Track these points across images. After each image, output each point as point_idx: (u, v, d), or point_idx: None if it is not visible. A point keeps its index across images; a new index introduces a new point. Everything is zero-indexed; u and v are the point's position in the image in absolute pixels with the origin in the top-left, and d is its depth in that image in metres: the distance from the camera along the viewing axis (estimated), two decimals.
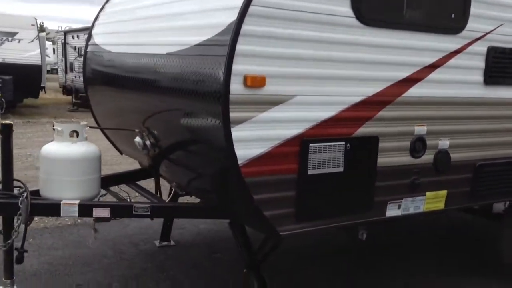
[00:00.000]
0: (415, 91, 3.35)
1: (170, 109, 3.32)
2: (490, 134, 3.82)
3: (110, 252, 4.90)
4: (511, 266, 4.41)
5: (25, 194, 3.35)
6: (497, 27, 3.66)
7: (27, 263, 4.44)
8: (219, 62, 2.69)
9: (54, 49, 33.66)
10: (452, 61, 3.49)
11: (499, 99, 3.81)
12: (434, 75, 3.42)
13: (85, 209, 3.40)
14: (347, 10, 2.99)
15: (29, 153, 8.64)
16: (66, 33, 21.28)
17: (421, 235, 5.76)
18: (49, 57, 30.22)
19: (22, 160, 7.82)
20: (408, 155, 3.46)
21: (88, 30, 4.93)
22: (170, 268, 4.58)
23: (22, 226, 3.38)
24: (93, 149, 3.62)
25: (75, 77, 19.86)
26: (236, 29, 2.64)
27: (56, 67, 33.27)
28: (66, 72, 21.16)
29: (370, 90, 3.16)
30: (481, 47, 3.62)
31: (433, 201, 3.65)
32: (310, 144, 2.98)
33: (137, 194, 4.22)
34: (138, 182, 4.50)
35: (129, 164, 6.86)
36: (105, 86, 4.41)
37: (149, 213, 3.49)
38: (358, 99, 3.13)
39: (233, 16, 2.67)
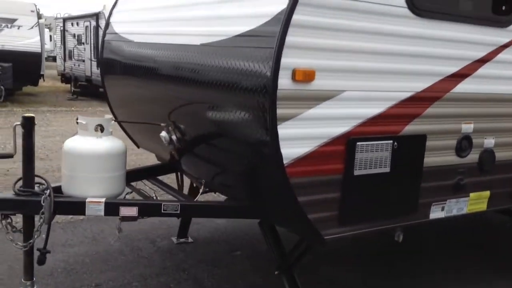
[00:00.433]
0: (463, 87, 3.17)
1: (203, 103, 3.11)
2: None
3: (127, 249, 4.72)
4: None
5: (48, 191, 3.15)
6: None
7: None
8: (266, 54, 2.49)
9: (50, 36, 33.28)
10: (500, 56, 3.30)
11: None
12: (482, 70, 3.24)
13: (111, 207, 3.21)
14: (399, 0, 2.79)
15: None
16: (65, 20, 20.99)
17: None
18: (46, 44, 29.95)
19: None
20: (454, 155, 3.28)
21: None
22: (191, 267, 4.40)
23: (45, 226, 3.17)
24: (119, 145, 3.43)
25: (74, 65, 19.62)
26: (286, 19, 2.43)
27: (52, 54, 32.95)
28: (65, 60, 20.90)
29: (420, 85, 2.98)
30: None
31: (476, 202, 3.48)
32: (358, 143, 2.79)
33: (161, 191, 4.02)
34: (159, 177, 4.30)
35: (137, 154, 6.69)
36: (126, 77, 4.19)
37: (178, 212, 3.30)
38: (407, 95, 2.94)
39: (282, 5, 2.47)
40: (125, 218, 3.32)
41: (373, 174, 2.89)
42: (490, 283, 4.39)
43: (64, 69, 20.86)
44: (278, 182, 2.65)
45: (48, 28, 33.17)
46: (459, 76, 3.13)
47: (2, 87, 14.94)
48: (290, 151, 2.59)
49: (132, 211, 3.26)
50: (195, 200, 3.48)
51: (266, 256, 4.62)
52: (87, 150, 3.30)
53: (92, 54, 17.56)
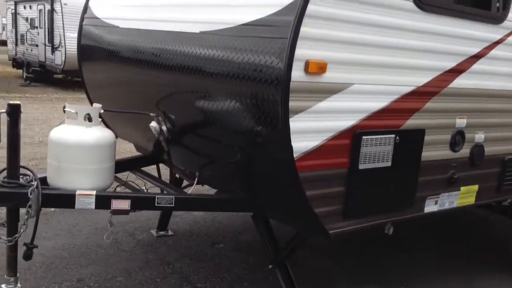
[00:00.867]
0: (459, 82, 3.22)
1: (201, 94, 3.02)
2: None
3: (106, 243, 4.55)
4: None
5: (35, 183, 2.99)
6: None
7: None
8: (279, 45, 2.43)
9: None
10: (493, 52, 3.36)
11: None
12: (477, 65, 3.29)
13: (102, 200, 3.08)
14: None
15: None
16: (17, 3, 20.11)
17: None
18: None
19: None
20: (448, 149, 3.32)
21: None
22: (175, 261, 4.31)
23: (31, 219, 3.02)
24: (109, 135, 3.29)
25: (27, 49, 18.89)
26: (301, 8, 2.38)
27: (2, 38, 31.56)
28: (16, 44, 20.08)
29: (421, 80, 2.99)
30: None
31: (465, 196, 3.55)
32: (363, 137, 2.78)
33: (148, 183, 3.90)
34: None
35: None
36: (110, 65, 4.03)
37: (172, 205, 3.20)
38: (409, 89, 2.95)
39: None
40: (116, 212, 3.19)
41: (376, 168, 2.89)
42: (473, 273, 4.51)
43: (16, 54, 20.05)
44: (286, 176, 2.60)
45: None
46: (456, 71, 3.17)
47: None
48: (300, 144, 2.55)
49: (125, 205, 3.14)
50: (187, 193, 3.38)
51: (250, 249, 4.61)
52: (77, 140, 3.15)
53: (46, 39, 16.94)
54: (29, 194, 2.95)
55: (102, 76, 4.25)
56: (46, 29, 16.99)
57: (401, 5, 2.78)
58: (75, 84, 16.40)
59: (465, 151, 3.42)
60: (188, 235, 4.91)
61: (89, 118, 3.26)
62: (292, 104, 2.44)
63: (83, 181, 3.17)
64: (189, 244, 4.70)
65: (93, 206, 3.09)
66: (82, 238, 4.58)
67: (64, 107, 3.29)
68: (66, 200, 3.08)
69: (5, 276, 3.14)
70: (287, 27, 2.39)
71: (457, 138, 3.32)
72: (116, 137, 4.71)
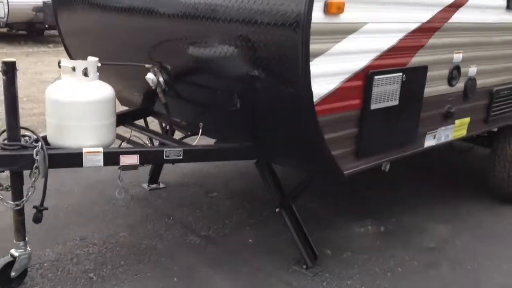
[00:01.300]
0: (458, 17, 3.26)
1: (207, 41, 2.94)
2: (506, 60, 3.85)
3: (100, 199, 4.51)
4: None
5: (39, 143, 2.89)
6: None
7: (8, 220, 3.97)
8: None
9: None
10: None
11: None
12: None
13: (111, 157, 3.03)
14: None
15: None
16: None
17: None
18: None
19: None
20: (446, 84, 3.41)
21: None
22: (174, 212, 4.31)
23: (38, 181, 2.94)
24: (109, 89, 3.20)
25: None
26: None
27: None
28: None
29: (425, 16, 3.02)
30: None
31: (459, 128, 3.68)
32: (375, 77, 2.80)
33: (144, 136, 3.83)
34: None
35: None
36: (92, 12, 3.81)
37: (181, 157, 3.18)
38: (415, 26, 2.98)
39: None
40: (124, 167, 3.15)
41: (386, 108, 2.94)
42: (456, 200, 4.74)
43: None
44: (305, 121, 2.61)
45: None
46: (456, 5, 3.20)
47: None
48: (319, 88, 2.55)
49: (133, 160, 3.10)
50: (193, 144, 3.35)
51: (243, 196, 4.68)
52: (78, 96, 3.04)
53: None
54: (34, 155, 2.86)
55: (84, 26, 4.04)
56: None
57: None
58: (20, 38, 15.63)
59: (460, 85, 3.52)
60: (179, 186, 4.90)
61: (85, 73, 3.14)
62: (312, 47, 2.42)
63: (87, 138, 3.10)
64: (183, 195, 4.70)
65: (101, 163, 3.04)
66: (74, 197, 4.50)
67: (59, 62, 3.15)
68: (73, 159, 3.00)
69: (14, 240, 3.09)
70: None
71: (454, 73, 3.41)
72: None
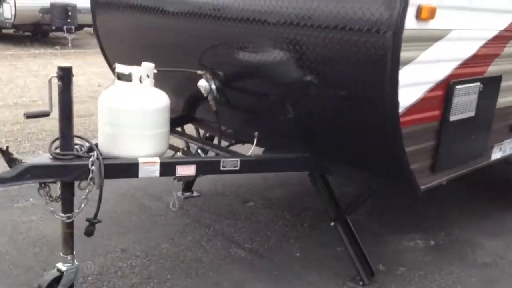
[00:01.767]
0: None
1: (274, 48, 2.76)
2: None
3: (134, 209, 4.34)
4: None
5: (94, 153, 2.71)
6: None
7: (41, 230, 3.81)
8: None
9: None
10: None
11: None
12: None
13: (167, 167, 2.86)
14: None
15: None
16: None
17: None
18: None
19: None
20: None
21: None
22: (213, 222, 4.14)
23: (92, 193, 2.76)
24: (165, 97, 3.02)
25: None
26: None
27: None
28: None
29: (503, 23, 2.86)
30: None
31: None
32: (456, 86, 2.64)
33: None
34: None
35: None
36: (134, 14, 3.62)
37: (237, 168, 3.01)
38: (493, 33, 2.83)
39: None
40: (179, 178, 2.98)
41: (463, 119, 2.78)
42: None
43: None
44: (386, 133, 2.44)
45: None
46: None
47: None
48: (404, 98, 2.38)
49: (190, 170, 2.93)
50: (248, 154, 3.18)
51: (281, 205, 4.52)
52: (137, 104, 2.87)
53: None
54: (90, 165, 2.68)
55: (125, 29, 3.87)
56: None
57: None
58: (26, 39, 15.42)
59: None
60: (214, 195, 4.72)
61: (140, 79, 2.97)
62: (402, 54, 2.25)
63: (142, 148, 2.92)
64: (219, 204, 4.52)
65: (157, 174, 2.87)
66: (109, 206, 4.30)
67: (114, 68, 2.97)
68: (129, 169, 2.83)
69: (61, 254, 2.91)
70: None
71: None
72: None
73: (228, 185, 4.94)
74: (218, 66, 3.21)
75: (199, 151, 3.44)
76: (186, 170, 2.91)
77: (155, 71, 2.99)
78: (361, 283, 3.29)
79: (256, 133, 3.20)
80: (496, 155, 3.29)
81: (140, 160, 2.80)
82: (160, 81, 3.51)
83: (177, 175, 2.91)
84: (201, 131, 4.24)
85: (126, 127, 2.85)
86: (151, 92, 2.94)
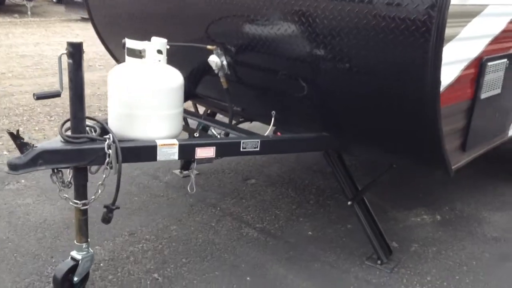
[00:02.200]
0: None
1: (279, 14, 2.61)
2: None
3: (134, 189, 4.19)
4: None
5: (110, 136, 2.55)
6: None
7: (40, 214, 3.64)
8: None
9: None
10: None
11: None
12: None
13: (186, 149, 2.72)
14: None
15: None
16: None
17: None
18: None
19: None
20: None
21: None
22: (218, 201, 4.04)
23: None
24: (179, 74, 2.85)
25: None
26: None
27: None
28: None
29: None
30: None
31: None
32: (488, 63, 2.57)
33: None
34: None
35: None
36: None
37: (258, 149, 2.90)
38: None
39: None
40: (198, 161, 2.84)
41: (491, 97, 2.73)
42: None
43: None
44: (426, 112, 2.35)
45: None
46: None
47: None
48: (444, 77, 2.29)
49: (209, 152, 2.80)
50: (265, 134, 3.06)
51: (283, 182, 4.45)
52: (153, 82, 2.70)
53: None
54: (106, 149, 2.52)
55: (119, 2, 3.64)
56: None
57: None
58: None
59: None
60: (213, 173, 4.61)
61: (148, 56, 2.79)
62: (447, 31, 2.15)
63: (158, 129, 2.78)
64: (220, 183, 4.42)
65: (176, 157, 2.73)
66: (108, 188, 4.13)
67: (123, 43, 2.79)
68: (146, 152, 2.68)
69: (76, 242, 2.76)
70: None
71: None
72: None
73: (226, 162, 4.82)
74: (229, 40, 3.05)
75: (213, 130, 3.29)
76: (205, 152, 2.78)
77: (168, 46, 2.82)
78: (379, 261, 3.26)
79: (273, 112, 3.08)
80: (511, 132, 3.26)
81: (158, 143, 2.66)
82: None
83: (196, 157, 2.77)
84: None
85: (141, 107, 2.70)
86: (166, 69, 2.78)
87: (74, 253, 2.76)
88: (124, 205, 3.89)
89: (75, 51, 2.43)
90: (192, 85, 3.78)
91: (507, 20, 2.66)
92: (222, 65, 3.11)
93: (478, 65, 2.54)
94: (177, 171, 4.52)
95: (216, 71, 3.14)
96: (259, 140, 2.88)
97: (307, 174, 4.69)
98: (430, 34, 2.14)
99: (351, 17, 2.34)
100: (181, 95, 2.83)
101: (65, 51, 2.43)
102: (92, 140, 2.55)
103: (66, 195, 2.62)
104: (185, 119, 3.55)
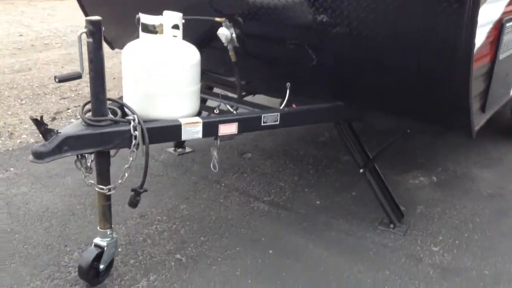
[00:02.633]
0: None
1: None
2: None
3: (132, 170, 4.06)
4: None
5: (135, 117, 2.46)
6: None
7: (40, 203, 3.49)
8: None
9: None
10: None
11: None
12: None
13: (209, 127, 2.67)
14: None
15: None
16: None
17: None
18: None
19: None
20: None
21: None
22: (220, 177, 3.99)
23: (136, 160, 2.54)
24: (196, 50, 2.76)
25: None
26: None
27: None
28: None
29: None
30: None
31: None
32: (507, 24, 2.62)
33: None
34: None
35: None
36: None
37: (277, 122, 2.87)
38: None
39: None
40: (221, 138, 2.79)
41: (506, 57, 2.79)
42: None
43: None
44: (458, 76, 2.38)
45: None
46: None
47: None
48: (476, 40, 2.32)
49: (232, 128, 2.76)
50: (281, 107, 3.03)
51: (279, 155, 4.46)
52: (173, 59, 2.60)
53: None
54: (132, 131, 2.43)
55: None
56: None
57: None
58: None
59: None
60: (207, 149, 4.52)
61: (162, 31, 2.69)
62: None
63: (178, 108, 2.70)
64: (218, 159, 4.34)
65: (200, 135, 2.67)
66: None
67: (137, 18, 2.66)
68: (171, 132, 2.61)
69: (99, 228, 2.68)
70: None
71: None
72: (113, 49, 4.09)
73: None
74: (237, 11, 2.97)
75: (229, 107, 3.22)
76: (228, 129, 2.73)
77: (183, 21, 2.71)
78: (392, 225, 3.33)
79: (288, 84, 3.05)
80: None
81: (182, 121, 2.58)
82: None
83: (219, 134, 2.72)
84: None
85: (160, 85, 2.60)
86: (183, 45, 2.68)
87: (98, 240, 2.68)
88: (127, 186, 3.75)
89: (95, 29, 2.31)
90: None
91: None
92: (231, 37, 3.03)
93: (499, 27, 2.59)
94: (171, 149, 4.43)
95: (225, 44, 3.06)
96: (278, 114, 2.84)
97: (300, 145, 4.71)
98: None
99: None
100: (199, 71, 2.75)
101: (84, 30, 2.30)
102: (115, 122, 2.45)
103: (92, 181, 2.52)
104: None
